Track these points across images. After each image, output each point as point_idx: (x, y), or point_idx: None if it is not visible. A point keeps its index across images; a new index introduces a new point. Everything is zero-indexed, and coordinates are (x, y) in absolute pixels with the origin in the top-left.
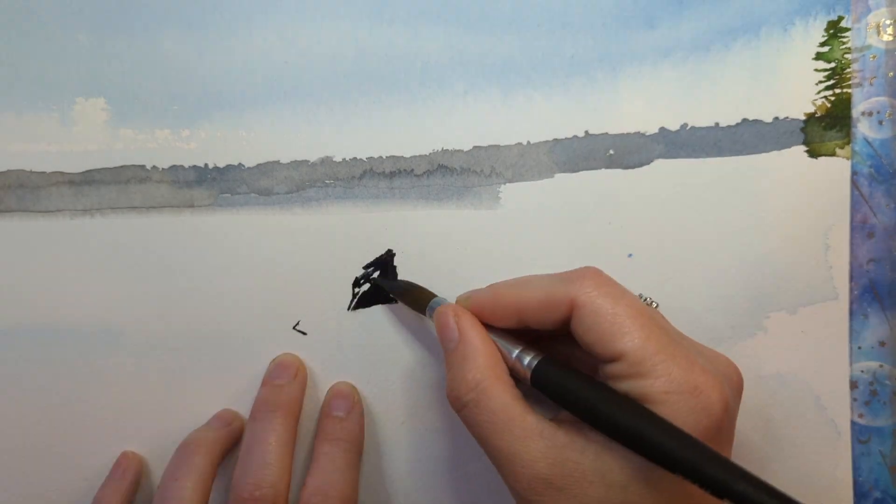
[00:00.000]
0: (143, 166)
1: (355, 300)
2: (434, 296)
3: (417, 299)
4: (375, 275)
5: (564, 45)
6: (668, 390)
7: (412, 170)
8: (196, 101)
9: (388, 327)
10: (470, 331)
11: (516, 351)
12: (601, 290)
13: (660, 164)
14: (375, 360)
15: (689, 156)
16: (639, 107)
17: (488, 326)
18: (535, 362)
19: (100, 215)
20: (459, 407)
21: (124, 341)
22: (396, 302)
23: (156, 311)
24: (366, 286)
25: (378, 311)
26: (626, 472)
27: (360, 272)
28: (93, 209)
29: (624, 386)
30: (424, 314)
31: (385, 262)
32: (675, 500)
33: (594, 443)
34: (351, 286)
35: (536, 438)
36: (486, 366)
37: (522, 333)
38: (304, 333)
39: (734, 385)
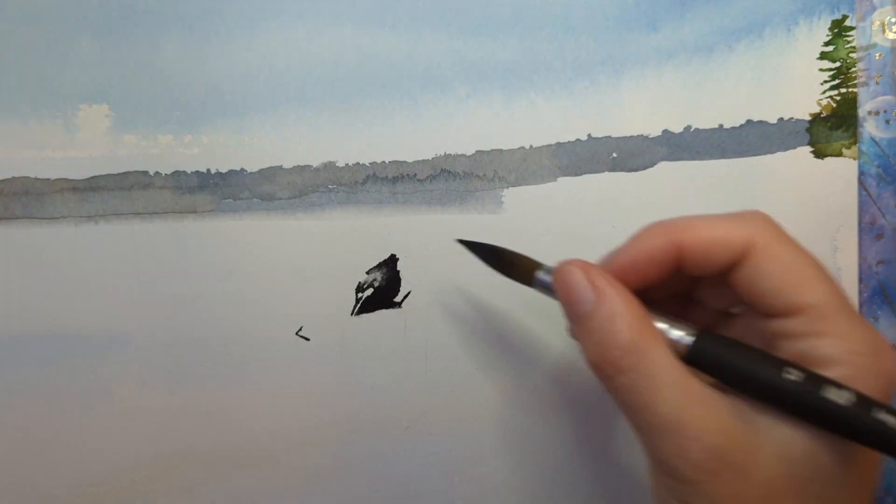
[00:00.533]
0: (146, 172)
1: (359, 305)
2: (539, 263)
3: (516, 265)
4: (376, 282)
5: (567, 48)
6: (854, 351)
7: (415, 174)
8: (198, 106)
9: (392, 332)
10: (609, 287)
11: (664, 326)
12: (781, 236)
13: (663, 167)
14: (379, 366)
15: (693, 158)
16: (642, 109)
17: None
18: (693, 337)
19: (104, 222)
20: (613, 373)
21: (129, 347)
22: (400, 306)
23: (160, 317)
24: (369, 291)
25: (382, 316)
26: (807, 443)
27: (363, 277)
28: (97, 215)
29: (801, 346)
30: (529, 282)
31: (388, 267)
32: (866, 469)
33: (765, 413)
34: (354, 291)
35: (706, 405)
36: (641, 324)
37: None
38: (307, 339)
39: None
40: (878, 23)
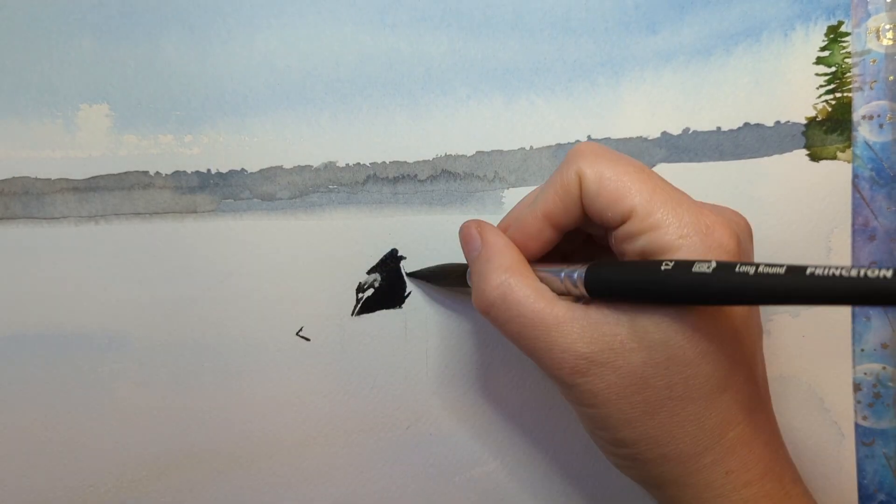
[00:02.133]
0: (146, 172)
1: (359, 305)
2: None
3: (454, 273)
4: (376, 282)
5: (567, 49)
6: (682, 234)
7: (416, 175)
8: (199, 106)
9: (392, 333)
10: (492, 236)
11: (563, 272)
12: (600, 158)
13: (662, 168)
14: (379, 366)
15: (691, 160)
16: (641, 111)
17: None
18: (584, 270)
19: (104, 221)
20: (486, 308)
21: (129, 347)
22: (401, 307)
23: (160, 316)
24: (369, 291)
25: (382, 317)
26: (662, 327)
27: (364, 277)
28: (97, 215)
29: (640, 243)
30: (468, 285)
31: (388, 264)
32: (718, 338)
33: (625, 312)
34: (354, 291)
35: (570, 322)
36: (509, 264)
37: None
38: (308, 339)
39: (743, 228)
40: (872, 29)
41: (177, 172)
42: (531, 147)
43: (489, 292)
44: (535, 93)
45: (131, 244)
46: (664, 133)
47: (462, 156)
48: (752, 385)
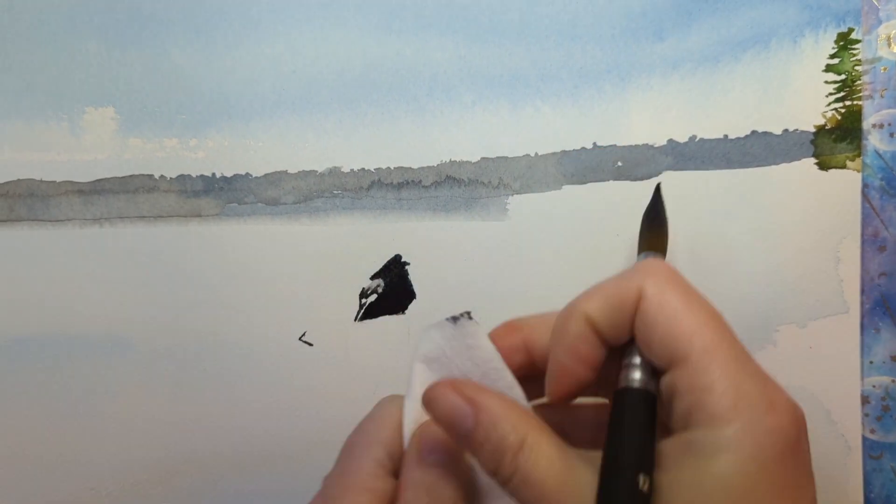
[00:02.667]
0: (151, 175)
1: (362, 311)
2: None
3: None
4: (380, 287)
5: (573, 56)
6: (736, 406)
7: (420, 181)
8: (204, 110)
9: (396, 338)
10: (482, 395)
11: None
12: (672, 285)
13: (668, 176)
14: (383, 372)
15: (697, 168)
16: (647, 118)
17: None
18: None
19: (108, 224)
20: (508, 477)
21: (132, 350)
22: (404, 313)
23: (163, 320)
24: (373, 297)
25: (385, 323)
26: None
27: (367, 283)
28: (101, 218)
29: (684, 402)
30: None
31: (392, 270)
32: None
33: (660, 487)
34: (358, 297)
35: (592, 489)
36: (522, 420)
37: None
38: (311, 345)
39: (802, 419)
40: (883, 36)
41: (181, 176)
42: (536, 154)
43: (505, 466)
44: (541, 99)
45: (135, 248)
46: (671, 140)
47: (467, 162)
48: None
